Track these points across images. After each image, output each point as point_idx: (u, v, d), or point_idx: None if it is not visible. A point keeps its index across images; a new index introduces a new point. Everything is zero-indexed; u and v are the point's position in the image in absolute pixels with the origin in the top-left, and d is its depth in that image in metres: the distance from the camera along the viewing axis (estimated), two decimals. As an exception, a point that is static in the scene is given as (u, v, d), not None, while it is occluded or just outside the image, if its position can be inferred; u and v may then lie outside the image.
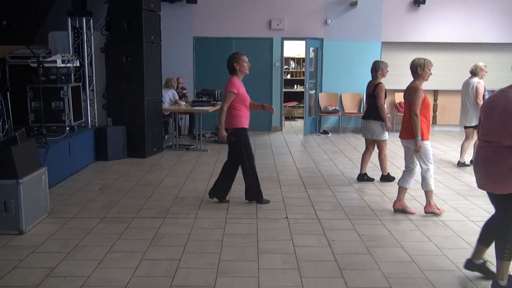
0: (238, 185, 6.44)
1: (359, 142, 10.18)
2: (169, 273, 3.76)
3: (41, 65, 6.75)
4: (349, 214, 5.27)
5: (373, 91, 6.56)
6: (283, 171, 7.41)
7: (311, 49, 11.33)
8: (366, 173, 6.83)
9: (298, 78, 14.51)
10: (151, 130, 8.22)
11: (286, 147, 9.58)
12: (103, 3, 8.29)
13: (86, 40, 8.19)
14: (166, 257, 4.07)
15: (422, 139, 5.08)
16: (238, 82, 5.40)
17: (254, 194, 5.60)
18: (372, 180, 6.78)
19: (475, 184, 6.54)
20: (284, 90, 11.98)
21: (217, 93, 9.63)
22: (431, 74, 5.21)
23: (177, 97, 9.86)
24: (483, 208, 5.46)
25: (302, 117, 12.73)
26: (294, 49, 14.19)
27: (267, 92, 11.57)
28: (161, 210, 5.33)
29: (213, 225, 4.88)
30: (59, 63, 7.06)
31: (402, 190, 5.37)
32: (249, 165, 5.49)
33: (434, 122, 11.82)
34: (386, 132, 6.59)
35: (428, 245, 4.40)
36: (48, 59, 7.11)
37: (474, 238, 4.53)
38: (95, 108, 8.41)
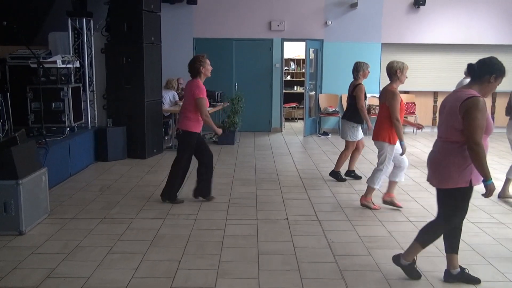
0: (239, 186, 6.45)
1: (359, 143, 10.18)
2: (169, 274, 3.75)
3: (41, 66, 6.74)
4: (349, 215, 5.27)
5: (353, 92, 6.64)
6: (283, 172, 7.40)
7: (311, 50, 11.33)
8: (353, 170, 7.00)
9: (298, 79, 14.52)
10: (151, 131, 8.22)
11: (286, 148, 9.58)
12: (103, 4, 8.29)
13: (86, 41, 8.18)
14: (166, 258, 4.07)
15: (391, 142, 5.25)
16: (203, 86, 5.47)
17: (168, 193, 5.66)
18: (359, 178, 6.95)
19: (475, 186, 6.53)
20: (284, 91, 11.98)
21: (217, 94, 9.63)
22: (406, 77, 5.33)
23: (177, 98, 9.86)
24: (483, 210, 5.46)
25: (302, 118, 12.74)
26: (294, 50, 14.21)
27: (267, 93, 11.58)
28: (161, 211, 5.33)
29: (213, 226, 4.88)
30: (59, 64, 7.06)
31: (392, 184, 5.52)
32: (180, 167, 5.64)
33: (434, 123, 11.82)
34: (359, 134, 6.73)
35: (428, 247, 4.37)
36: (48, 60, 7.10)
37: (474, 239, 4.56)
38: (95, 109, 8.41)
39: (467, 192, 3.49)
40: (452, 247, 3.68)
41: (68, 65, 7.31)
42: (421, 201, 5.84)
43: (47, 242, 4.41)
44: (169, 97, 9.66)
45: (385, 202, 5.52)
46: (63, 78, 7.40)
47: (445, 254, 3.75)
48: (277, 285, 3.61)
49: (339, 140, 10.49)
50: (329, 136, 11.16)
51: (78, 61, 7.80)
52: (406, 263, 3.70)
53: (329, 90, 11.64)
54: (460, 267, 3.71)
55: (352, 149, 6.86)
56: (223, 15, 11.31)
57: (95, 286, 3.56)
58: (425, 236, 3.67)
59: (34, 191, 4.80)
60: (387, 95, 5.22)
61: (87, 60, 8.24)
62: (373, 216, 5.28)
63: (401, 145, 5.20)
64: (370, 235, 4.69)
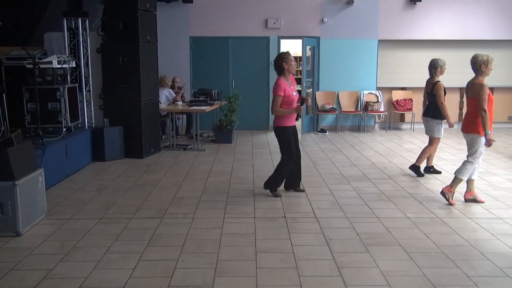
0: (236, 185, 6.45)
1: (357, 140, 10.18)
2: (167, 273, 3.75)
3: (36, 66, 6.71)
4: (347, 212, 5.27)
5: (432, 89, 6.68)
6: (281, 170, 7.39)
7: (307, 47, 11.32)
8: (432, 166, 6.98)
9: (295, 76, 14.46)
10: (148, 130, 8.20)
11: (283, 146, 9.55)
12: (98, 3, 8.25)
13: (82, 40, 8.15)
14: (164, 257, 4.06)
15: (481, 134, 5.29)
16: (284, 84, 5.63)
17: (271, 183, 5.88)
18: (439, 172, 6.97)
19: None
20: (281, 89, 11.94)
21: (214, 92, 9.61)
22: (491, 69, 5.38)
23: (174, 95, 9.81)
24: (481, 206, 5.47)
25: (299, 116, 12.71)
26: (291, 47, 14.19)
27: (264, 91, 11.55)
28: (158, 211, 5.32)
29: (211, 224, 4.87)
30: (55, 64, 7.04)
31: (470, 182, 5.57)
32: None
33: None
34: (442, 130, 6.75)
35: (426, 243, 4.40)
36: (44, 60, 7.08)
37: (471, 235, 4.57)
38: (92, 108, 8.38)
39: None
40: None
41: (64, 65, 7.28)
42: (418, 197, 5.84)
43: (44, 243, 4.40)
44: (164, 95, 9.62)
45: (467, 200, 5.57)
46: (59, 78, 7.38)
47: None
48: (275, 283, 3.60)
49: (337, 137, 10.52)
50: (327, 133, 11.16)
51: (74, 61, 7.78)
52: None
53: (326, 87, 11.62)
54: None
55: (437, 146, 6.90)
56: (219, 13, 11.29)
57: (93, 286, 3.56)
58: None
59: (31, 192, 4.79)
60: (475, 88, 5.27)
61: (83, 60, 8.20)
62: (371, 213, 5.28)
63: (486, 135, 5.24)
64: (368, 231, 4.68)
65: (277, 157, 8.35)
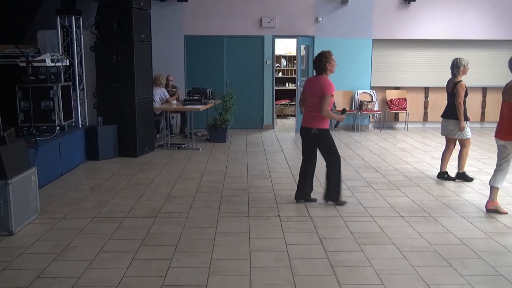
0: (230, 184, 6.44)
1: (351, 139, 10.20)
2: (160, 272, 3.73)
3: (30, 65, 6.68)
4: (341, 212, 5.27)
5: (453, 89, 6.40)
6: (275, 169, 7.39)
7: (302, 46, 11.33)
8: (446, 172, 6.67)
9: (289, 76, 14.51)
10: (142, 129, 8.18)
11: (278, 145, 9.57)
12: (92, 2, 8.21)
13: (76, 39, 8.11)
14: (158, 256, 4.05)
15: None
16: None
17: (332, 194, 5.51)
18: (453, 179, 6.60)
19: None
20: (275, 88, 11.96)
21: (209, 91, 9.59)
22: None
23: (167, 95, 9.81)
24: (474, 204, 5.49)
25: (294, 115, 12.74)
26: (286, 47, 14.20)
27: (258, 90, 11.56)
28: (152, 210, 5.30)
29: (205, 224, 4.86)
30: (48, 63, 6.99)
31: (494, 190, 5.19)
32: (337, 161, 5.47)
33: (426, 119, 11.88)
34: (469, 130, 6.44)
35: (420, 242, 4.42)
36: (37, 59, 7.04)
37: (465, 234, 4.59)
38: (86, 107, 8.34)
39: None
40: None
41: (58, 64, 7.24)
42: (412, 196, 5.86)
43: (37, 242, 4.37)
44: (159, 95, 9.61)
45: (489, 211, 5.19)
46: (52, 76, 7.34)
47: None
48: (269, 282, 3.60)
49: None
50: (321, 132, 11.15)
51: (67, 60, 7.74)
52: None
53: (321, 87, 11.62)
54: None
55: (469, 146, 6.55)
56: (213, 12, 11.27)
57: (86, 285, 3.54)
58: None
59: (24, 191, 4.76)
60: None
61: (77, 58, 8.16)
62: (365, 211, 5.29)
63: None
64: (362, 230, 4.69)
65: (271, 155, 8.39)
